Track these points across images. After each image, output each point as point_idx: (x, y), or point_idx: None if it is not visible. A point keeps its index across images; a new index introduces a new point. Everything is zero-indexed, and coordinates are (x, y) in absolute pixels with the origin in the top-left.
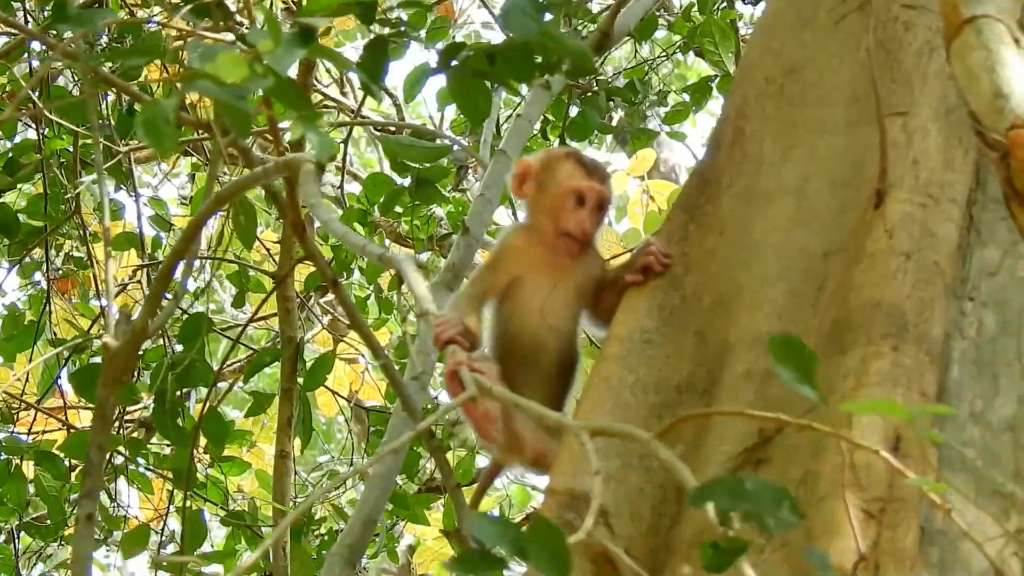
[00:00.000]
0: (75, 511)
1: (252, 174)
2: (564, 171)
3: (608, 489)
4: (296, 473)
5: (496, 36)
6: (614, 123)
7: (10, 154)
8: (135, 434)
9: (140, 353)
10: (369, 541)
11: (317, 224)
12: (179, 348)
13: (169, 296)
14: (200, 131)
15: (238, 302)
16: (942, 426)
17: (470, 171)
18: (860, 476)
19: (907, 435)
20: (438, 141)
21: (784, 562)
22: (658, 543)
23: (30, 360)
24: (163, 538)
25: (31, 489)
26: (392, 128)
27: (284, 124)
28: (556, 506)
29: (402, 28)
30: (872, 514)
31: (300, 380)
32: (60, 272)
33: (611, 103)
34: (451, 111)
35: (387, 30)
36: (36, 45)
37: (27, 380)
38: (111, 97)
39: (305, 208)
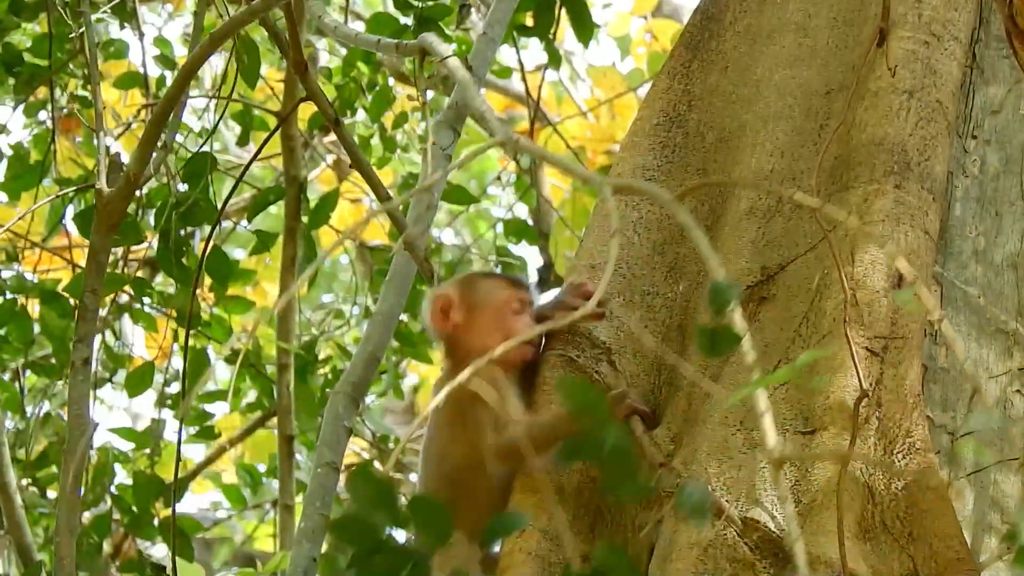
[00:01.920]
0: (72, 354)
1: (248, 8)
2: (492, 288)
3: (611, 326)
4: (300, 312)
5: None
6: None
7: None
8: (139, 273)
9: (144, 192)
10: (373, 379)
11: (319, 63)
12: (183, 187)
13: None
14: None
15: (242, 141)
16: (945, 264)
17: (473, 9)
18: (863, 314)
19: (908, 270)
20: None
21: (785, 400)
22: (661, 380)
23: (35, 199)
24: (167, 376)
25: (36, 328)
26: None
27: None
28: (560, 343)
29: None
30: (875, 352)
31: (304, 219)
32: (64, 111)
33: None
34: None
35: None
36: None
37: (32, 219)
38: None
39: (309, 48)
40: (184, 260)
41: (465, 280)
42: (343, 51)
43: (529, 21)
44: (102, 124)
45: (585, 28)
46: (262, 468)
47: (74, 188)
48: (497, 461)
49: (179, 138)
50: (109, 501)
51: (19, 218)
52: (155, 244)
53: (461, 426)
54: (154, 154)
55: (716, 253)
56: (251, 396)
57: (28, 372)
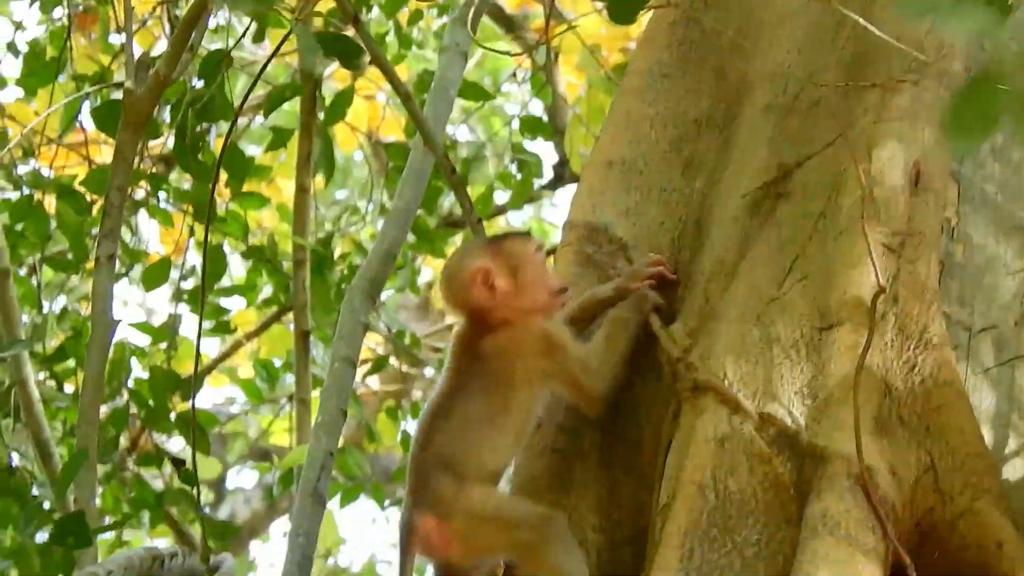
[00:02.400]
0: (96, 250)
1: None
2: (527, 250)
3: (627, 222)
4: (316, 208)
5: None
6: None
7: None
8: (156, 169)
9: None
10: (389, 275)
11: None
12: (199, 84)
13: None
14: None
15: (258, 38)
16: (963, 161)
17: None
18: (880, 210)
19: (927, 170)
20: None
21: (802, 297)
22: (678, 275)
23: (51, 96)
24: (183, 272)
25: (52, 224)
26: None
27: None
28: (576, 239)
29: None
30: (892, 248)
31: (319, 116)
32: (80, 8)
33: None
34: None
35: None
36: None
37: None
38: None
39: None
40: (200, 156)
41: (492, 248)
42: None
43: None
44: (131, 23)
45: None
46: (278, 363)
47: (99, 86)
48: (601, 403)
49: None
50: (126, 395)
51: (42, 117)
52: (171, 141)
53: (524, 381)
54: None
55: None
56: (267, 292)
57: (44, 267)
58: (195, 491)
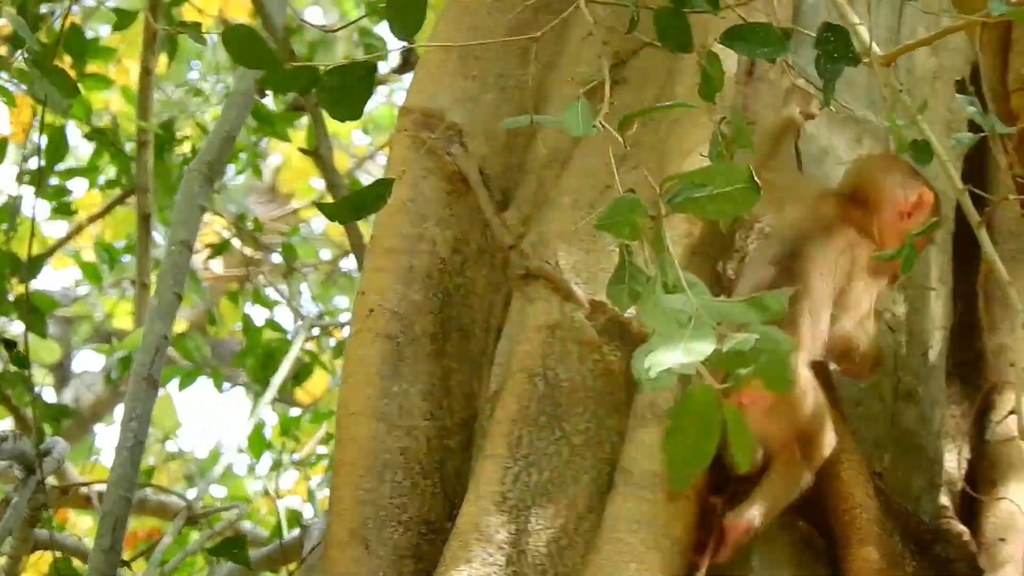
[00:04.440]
0: None
1: None
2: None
3: (463, 108)
4: (161, 90)
5: None
6: None
7: None
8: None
9: None
10: (228, 157)
11: None
12: None
13: None
14: None
15: None
16: (797, 51)
17: None
18: (715, 99)
19: (762, 62)
20: None
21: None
22: (512, 162)
23: None
24: (25, 152)
25: None
26: None
27: None
28: (411, 124)
29: None
30: (726, 136)
31: None
32: None
33: None
34: None
35: None
36: None
37: None
38: None
39: None
40: (42, 36)
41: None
42: None
43: None
44: None
45: None
46: (121, 246)
47: None
48: None
49: None
50: None
51: None
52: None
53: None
54: None
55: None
56: (110, 173)
57: None
58: (27, 374)
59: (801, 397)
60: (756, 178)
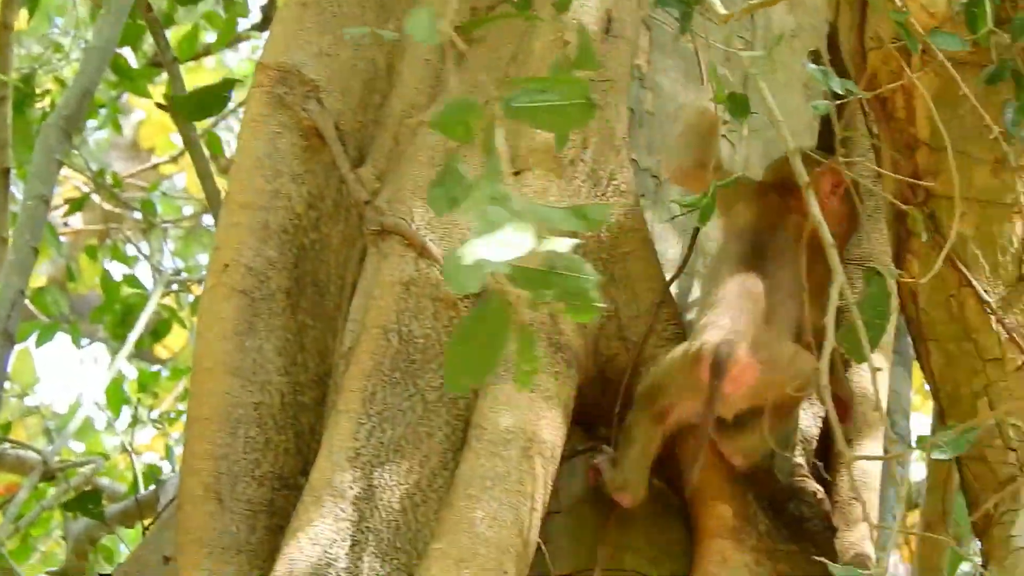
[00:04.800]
0: None
1: None
2: None
3: (320, 64)
4: (21, 45)
5: None
6: None
7: None
8: None
9: None
10: (86, 112)
11: None
12: None
13: None
14: None
15: None
16: (654, 8)
17: None
18: (571, 52)
19: (619, 16)
20: None
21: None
22: (368, 119)
23: None
24: None
25: None
26: None
27: None
28: (268, 81)
29: None
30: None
31: None
32: None
33: None
34: None
35: None
36: None
37: None
38: None
39: None
40: None
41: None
42: None
43: None
44: None
45: None
46: None
47: None
48: None
49: None
50: None
51: None
52: None
53: None
54: None
55: None
56: None
57: None
58: None
59: (779, 371)
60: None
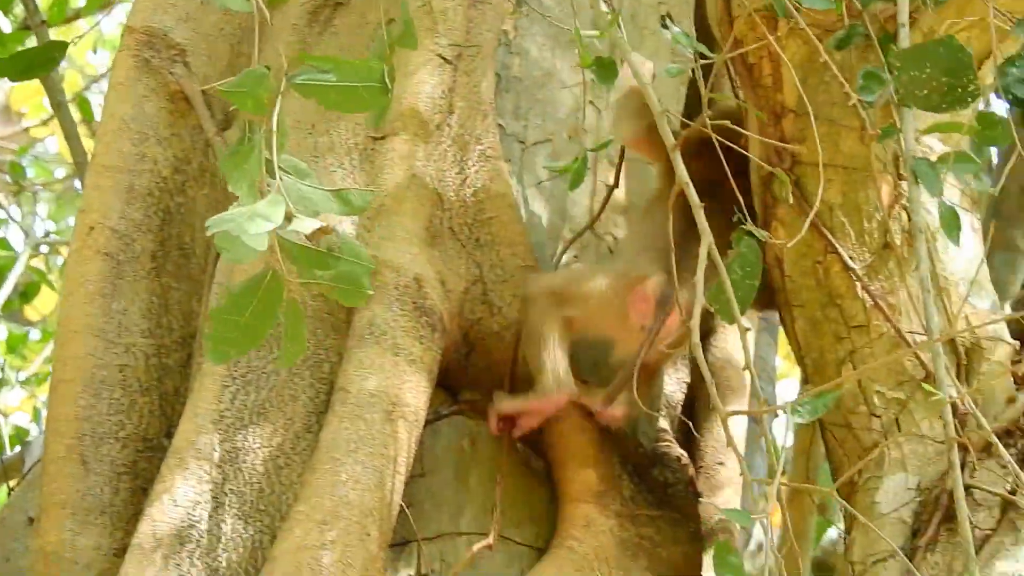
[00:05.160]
0: None
1: None
2: None
3: (187, 28)
4: None
5: None
6: None
7: None
8: None
9: None
10: None
11: None
12: None
13: None
14: None
15: None
16: None
17: None
18: (438, 21)
19: None
20: None
21: None
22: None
23: None
24: None
25: None
26: None
27: None
28: (134, 44)
29: None
30: (448, 60)
31: None
32: None
33: None
34: None
35: None
36: None
37: None
38: None
39: None
40: None
41: None
42: None
43: None
44: None
45: None
46: None
47: None
48: None
49: None
50: None
51: None
52: None
53: None
54: None
55: None
56: None
57: None
58: None
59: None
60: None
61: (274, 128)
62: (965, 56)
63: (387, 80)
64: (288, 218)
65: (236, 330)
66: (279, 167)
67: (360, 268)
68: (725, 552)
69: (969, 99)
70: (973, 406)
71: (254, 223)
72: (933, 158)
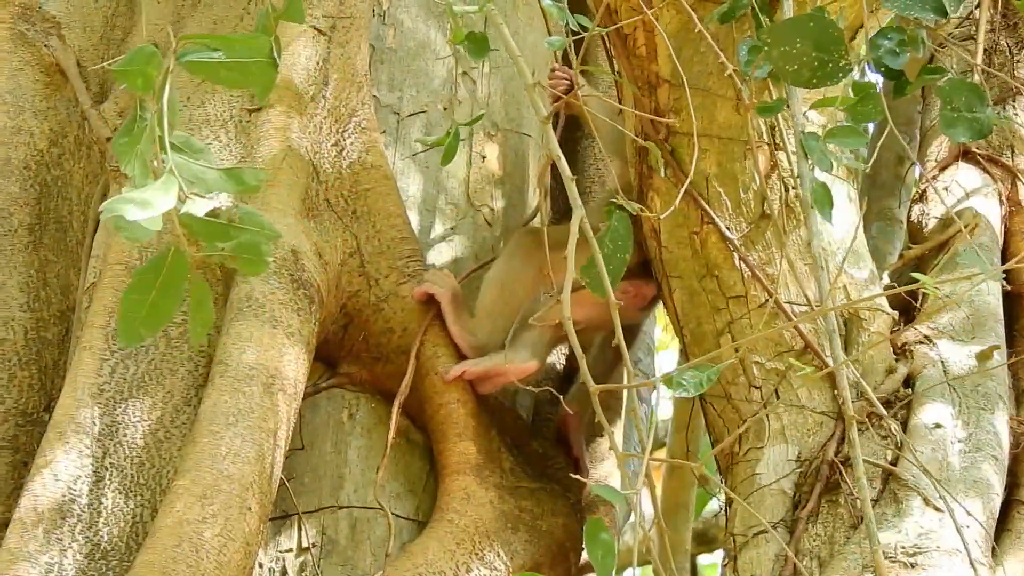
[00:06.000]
0: None
1: None
2: None
3: (62, 2)
4: None
5: None
6: None
7: None
8: None
9: None
10: None
11: None
12: None
13: None
14: None
15: None
16: None
17: None
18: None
19: None
20: None
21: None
22: (109, 55)
23: None
24: None
25: None
26: None
27: None
28: (9, 17)
29: None
30: (322, 31)
31: None
32: None
33: None
34: None
35: None
36: None
37: None
38: None
39: None
40: None
41: None
42: None
43: None
44: None
45: None
46: None
47: None
48: None
49: None
50: None
51: None
52: None
53: None
54: None
55: None
56: None
57: None
58: None
59: None
60: None
61: (164, 107)
62: (836, 31)
63: (275, 55)
64: (181, 200)
65: (144, 309)
66: (171, 144)
67: (262, 235)
68: (597, 529)
69: (840, 74)
70: (858, 376)
71: (147, 209)
72: (812, 130)
